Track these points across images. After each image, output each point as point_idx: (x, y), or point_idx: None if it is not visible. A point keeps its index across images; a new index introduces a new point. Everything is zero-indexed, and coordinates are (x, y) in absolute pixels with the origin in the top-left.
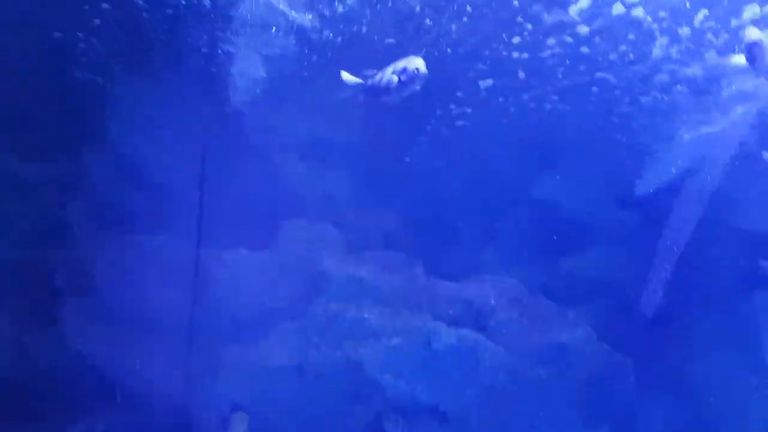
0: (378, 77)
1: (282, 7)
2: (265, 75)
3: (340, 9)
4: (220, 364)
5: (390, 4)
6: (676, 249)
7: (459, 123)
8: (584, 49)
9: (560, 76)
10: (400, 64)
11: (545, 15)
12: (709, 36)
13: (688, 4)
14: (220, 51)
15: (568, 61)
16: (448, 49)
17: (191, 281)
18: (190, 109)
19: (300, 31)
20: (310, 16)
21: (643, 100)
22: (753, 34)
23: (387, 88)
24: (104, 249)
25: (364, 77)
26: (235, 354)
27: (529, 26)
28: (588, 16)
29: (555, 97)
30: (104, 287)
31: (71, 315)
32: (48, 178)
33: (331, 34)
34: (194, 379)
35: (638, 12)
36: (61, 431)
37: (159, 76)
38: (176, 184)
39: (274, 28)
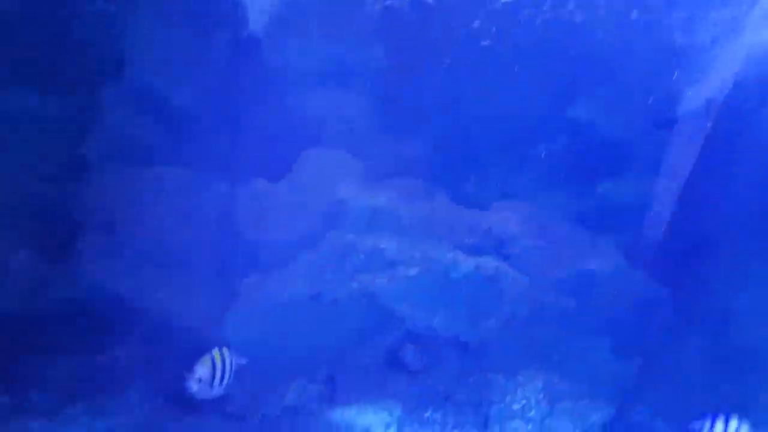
0: None
1: None
2: None
3: None
4: (238, 295)
5: None
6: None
7: (484, 43)
8: None
9: None
10: None
11: None
12: None
13: None
14: None
15: None
16: None
17: (208, 213)
18: (206, 36)
19: None
20: None
21: None
22: None
23: None
24: (122, 182)
25: None
26: (253, 284)
27: None
28: None
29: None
30: (123, 220)
31: (91, 249)
32: (65, 111)
33: None
34: (212, 309)
35: None
36: (85, 362)
37: (173, 2)
38: (193, 115)
39: None
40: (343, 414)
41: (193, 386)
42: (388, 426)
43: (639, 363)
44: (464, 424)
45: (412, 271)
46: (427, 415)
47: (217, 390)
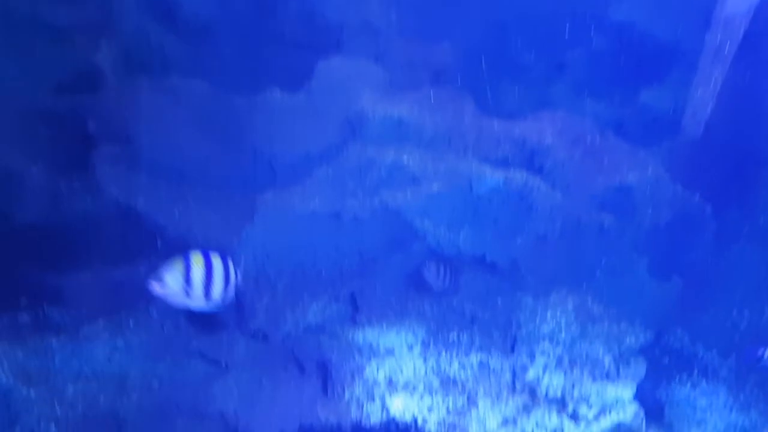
0: None
1: None
2: None
3: None
4: (256, 210)
5: None
6: None
7: None
8: None
9: None
10: None
11: None
12: None
13: None
14: None
15: None
16: None
17: (225, 125)
18: None
19: None
20: None
21: None
22: None
23: None
24: (137, 94)
25: None
26: (270, 200)
27: None
28: None
29: None
30: (138, 134)
31: (106, 162)
32: (77, 21)
33: None
34: (230, 225)
35: None
36: (104, 279)
37: None
38: (208, 23)
39: None
40: (366, 335)
41: (154, 287)
42: (411, 347)
43: (679, 284)
44: (491, 346)
45: (437, 186)
46: (452, 336)
47: (200, 300)
